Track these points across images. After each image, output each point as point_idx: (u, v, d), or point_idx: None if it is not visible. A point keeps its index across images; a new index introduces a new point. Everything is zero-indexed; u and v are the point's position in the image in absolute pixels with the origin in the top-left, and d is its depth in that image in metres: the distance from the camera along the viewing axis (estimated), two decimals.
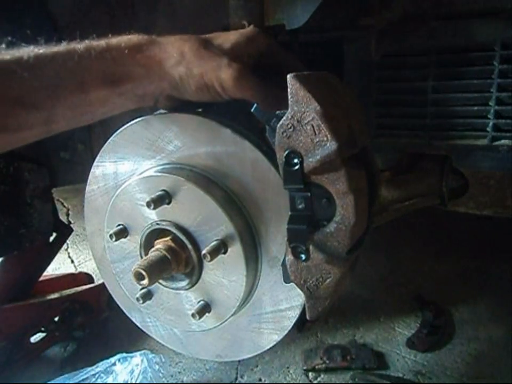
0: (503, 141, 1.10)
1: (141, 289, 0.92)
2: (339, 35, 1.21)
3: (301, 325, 0.89)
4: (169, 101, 0.81)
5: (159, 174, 0.87)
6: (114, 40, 0.76)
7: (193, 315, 0.87)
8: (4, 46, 0.70)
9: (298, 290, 0.80)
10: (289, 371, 1.57)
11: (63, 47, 0.74)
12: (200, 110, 0.86)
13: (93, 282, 1.89)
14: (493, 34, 1.06)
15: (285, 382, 1.54)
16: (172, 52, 0.75)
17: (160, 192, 0.85)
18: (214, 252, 0.82)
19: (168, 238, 0.88)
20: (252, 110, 0.77)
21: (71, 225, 1.87)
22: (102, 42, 0.75)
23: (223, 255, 0.83)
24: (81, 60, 0.73)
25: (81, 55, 0.73)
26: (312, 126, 0.68)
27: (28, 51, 0.71)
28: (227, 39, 0.78)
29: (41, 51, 0.72)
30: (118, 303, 1.07)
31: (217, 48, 0.76)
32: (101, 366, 1.49)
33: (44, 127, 0.75)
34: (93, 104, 0.76)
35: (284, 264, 0.80)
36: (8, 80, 0.69)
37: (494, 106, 1.08)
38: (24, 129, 0.74)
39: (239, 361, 1.61)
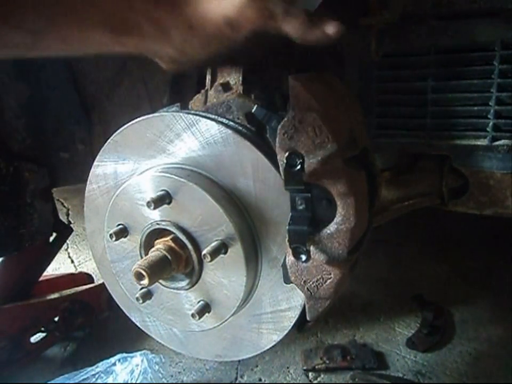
0: (503, 141, 1.10)
1: (141, 289, 0.92)
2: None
3: (301, 325, 0.89)
4: (173, 64, 0.75)
5: (159, 174, 0.87)
6: None
7: (193, 315, 0.87)
8: None
9: (299, 291, 0.80)
10: (289, 371, 1.57)
11: None
12: (200, 110, 0.86)
13: (93, 282, 1.89)
14: (493, 34, 1.06)
15: (285, 382, 1.54)
16: (180, 26, 0.68)
17: (160, 192, 0.85)
18: (214, 252, 0.82)
19: (168, 238, 0.88)
20: (253, 110, 0.77)
21: (71, 225, 1.87)
22: None
23: (223, 255, 0.83)
24: None
25: None
26: (313, 127, 0.68)
27: None
28: None
29: None
30: (118, 302, 1.07)
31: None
32: (101, 366, 1.49)
33: (28, 50, 0.66)
34: (89, 44, 0.68)
35: (284, 265, 0.80)
36: None
37: (494, 106, 1.08)
38: (5, 48, 0.64)
39: (239, 361, 1.61)
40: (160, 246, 0.87)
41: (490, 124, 1.09)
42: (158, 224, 0.89)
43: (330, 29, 0.65)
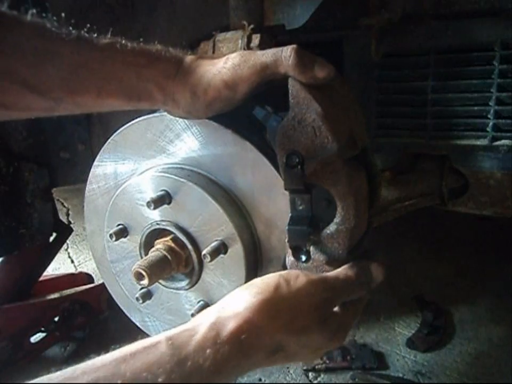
0: (503, 141, 1.10)
1: (141, 289, 0.92)
2: (339, 35, 1.21)
3: None
4: (185, 117, 0.83)
5: (159, 174, 0.87)
6: (147, 52, 0.73)
7: (193, 315, 0.87)
8: (28, 17, 0.65)
9: None
10: (289, 371, 1.57)
11: (93, 41, 0.69)
12: None
13: (93, 282, 1.89)
14: (493, 34, 1.06)
15: (285, 382, 1.53)
16: (186, 95, 0.74)
17: (160, 192, 0.85)
18: (214, 252, 0.82)
19: (168, 238, 0.88)
20: (253, 110, 0.77)
21: (71, 225, 1.87)
22: (134, 50, 0.72)
23: (223, 256, 0.84)
24: (107, 63, 0.70)
25: (108, 58, 0.70)
26: (313, 128, 0.68)
27: (54, 32, 0.66)
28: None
29: (69, 37, 0.67)
30: (118, 302, 1.07)
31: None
32: None
33: (44, 113, 0.73)
34: (103, 107, 0.75)
35: (284, 265, 0.80)
36: (24, 58, 0.65)
37: (494, 106, 1.08)
38: (23, 111, 0.71)
39: None
40: (160, 246, 0.87)
41: (490, 124, 1.10)
42: (158, 224, 0.89)
43: (320, 73, 0.69)
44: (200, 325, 0.61)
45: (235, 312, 0.63)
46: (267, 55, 0.71)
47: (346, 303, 0.73)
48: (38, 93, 0.67)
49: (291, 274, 0.69)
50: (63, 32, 0.67)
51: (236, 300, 0.65)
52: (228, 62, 0.73)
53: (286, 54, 0.69)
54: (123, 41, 0.72)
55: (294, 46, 0.70)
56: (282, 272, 0.70)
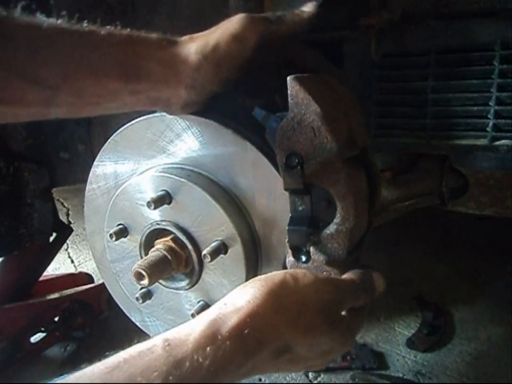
0: (503, 141, 1.10)
1: (141, 289, 0.92)
2: (339, 35, 1.21)
3: None
4: (184, 109, 0.79)
5: (159, 174, 0.87)
6: (136, 33, 0.72)
7: (193, 315, 0.87)
8: (18, 10, 0.63)
9: None
10: None
11: (84, 26, 0.68)
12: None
13: (93, 282, 1.89)
14: (493, 34, 1.06)
15: (285, 382, 1.53)
16: (191, 58, 0.72)
17: (160, 192, 0.85)
18: (214, 252, 0.82)
19: (168, 238, 0.88)
20: (253, 111, 0.77)
21: (71, 225, 1.87)
22: (125, 32, 0.70)
23: (223, 256, 0.84)
24: (101, 44, 0.68)
25: (101, 39, 0.68)
26: (312, 128, 0.68)
27: (46, 21, 0.64)
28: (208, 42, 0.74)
29: (60, 25, 0.66)
30: (118, 302, 1.07)
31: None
32: None
33: (42, 108, 0.69)
34: (102, 95, 0.71)
35: (284, 265, 0.80)
36: (18, 49, 0.62)
37: (494, 106, 1.08)
38: (20, 106, 0.67)
39: None
40: (160, 246, 0.87)
41: (490, 124, 1.09)
42: (158, 224, 0.89)
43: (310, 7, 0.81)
44: (200, 323, 0.58)
45: (237, 306, 0.60)
46: (270, 14, 0.77)
47: (353, 308, 0.71)
48: (34, 82, 0.64)
49: (298, 271, 0.67)
50: (54, 20, 0.66)
51: (239, 295, 0.62)
52: (233, 19, 0.74)
53: (283, 13, 0.77)
54: (110, 27, 0.70)
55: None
56: (289, 270, 0.69)
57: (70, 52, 0.66)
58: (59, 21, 0.66)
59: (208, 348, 0.55)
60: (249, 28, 0.73)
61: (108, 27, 0.69)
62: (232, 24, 0.74)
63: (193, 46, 0.72)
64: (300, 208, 0.74)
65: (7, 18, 0.62)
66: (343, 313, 0.70)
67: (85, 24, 0.68)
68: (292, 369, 0.69)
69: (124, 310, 1.07)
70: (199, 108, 0.80)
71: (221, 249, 0.83)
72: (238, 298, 0.61)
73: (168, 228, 0.88)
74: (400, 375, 1.53)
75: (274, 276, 0.65)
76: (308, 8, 0.82)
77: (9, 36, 0.62)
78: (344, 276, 0.73)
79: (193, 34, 0.75)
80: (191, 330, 0.57)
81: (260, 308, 0.59)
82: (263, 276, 0.65)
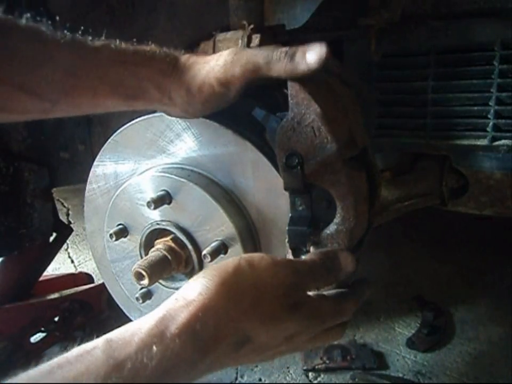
0: (503, 141, 1.10)
1: (141, 289, 0.92)
2: (339, 35, 1.21)
3: None
4: (182, 117, 0.82)
5: (160, 174, 0.87)
6: (141, 51, 0.73)
7: None
8: (23, 21, 0.65)
9: None
10: (289, 371, 1.57)
11: (88, 43, 0.69)
12: None
13: (93, 282, 1.89)
14: (493, 34, 1.06)
15: (285, 382, 1.53)
16: (182, 92, 0.74)
17: (160, 192, 0.85)
18: (214, 252, 0.82)
19: (168, 238, 0.88)
20: (253, 111, 0.77)
21: (71, 225, 1.87)
22: (128, 50, 0.72)
23: (223, 256, 0.84)
24: (102, 63, 0.70)
25: (103, 58, 0.70)
26: (313, 128, 0.68)
27: (50, 35, 0.66)
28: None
29: (64, 39, 0.67)
30: (118, 302, 1.07)
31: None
32: None
33: (40, 115, 0.73)
34: (99, 108, 0.75)
35: None
36: (21, 61, 0.64)
37: (494, 106, 1.08)
38: (21, 113, 0.71)
39: None
40: (160, 246, 0.87)
41: (490, 124, 1.09)
42: (158, 224, 0.89)
43: (313, 57, 0.68)
44: (147, 321, 0.53)
45: (188, 300, 0.55)
46: (259, 56, 0.70)
47: (322, 293, 0.68)
48: (34, 96, 0.67)
49: (254, 256, 0.63)
50: (57, 35, 0.67)
51: (190, 288, 0.57)
52: (220, 59, 0.72)
53: (277, 57, 0.69)
54: (117, 42, 0.71)
55: (286, 49, 0.70)
56: (244, 255, 0.64)
57: (70, 70, 0.68)
58: (62, 35, 0.67)
59: (154, 347, 0.51)
60: (233, 74, 0.71)
61: (112, 44, 0.71)
62: (219, 64, 0.72)
63: (186, 78, 0.73)
64: (300, 208, 0.74)
65: (12, 30, 0.64)
66: (310, 293, 0.66)
67: (88, 40, 0.70)
68: (258, 359, 0.64)
69: (124, 310, 1.07)
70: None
71: (221, 249, 0.83)
72: (189, 291, 0.57)
73: (168, 227, 0.88)
74: (400, 375, 1.53)
75: (227, 263, 0.61)
76: (311, 58, 0.69)
77: (14, 49, 0.64)
78: (305, 257, 0.71)
79: (192, 56, 0.76)
80: (137, 329, 0.53)
81: (212, 300, 0.55)
82: (216, 265, 0.61)
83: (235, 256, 0.63)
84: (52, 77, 0.67)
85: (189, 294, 0.56)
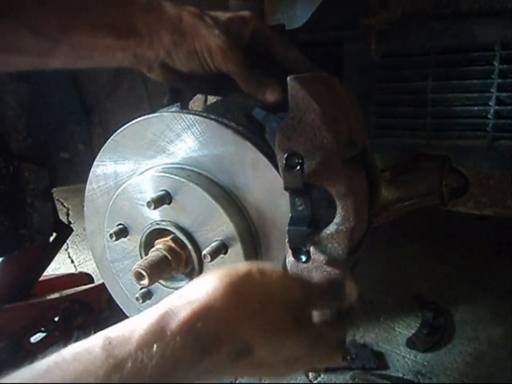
0: (503, 141, 1.10)
1: (141, 289, 0.92)
2: (339, 35, 1.21)
3: None
4: (162, 70, 0.83)
5: (160, 174, 0.87)
6: None
7: None
8: None
9: None
10: None
11: None
12: (201, 110, 0.86)
13: (93, 282, 1.89)
14: (493, 34, 1.06)
15: (285, 382, 1.53)
16: (173, 17, 0.78)
17: (160, 192, 0.85)
18: (214, 252, 0.82)
19: (168, 238, 0.88)
20: (253, 111, 0.77)
21: (71, 225, 1.87)
22: None
23: (223, 256, 0.83)
24: (97, 4, 0.75)
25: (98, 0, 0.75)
26: (312, 128, 0.68)
27: None
28: (223, 15, 0.82)
29: None
30: (118, 302, 1.07)
31: (212, 20, 0.79)
32: None
33: (41, 58, 0.75)
34: (95, 49, 0.77)
35: (284, 265, 0.80)
36: (27, 2, 0.69)
37: (494, 106, 1.08)
38: (21, 54, 0.73)
39: None
40: (160, 246, 0.87)
41: (490, 124, 1.09)
42: (158, 224, 0.89)
43: (269, 96, 0.79)
44: (147, 317, 0.52)
45: (192, 298, 0.54)
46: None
47: (326, 320, 0.67)
48: (37, 33, 0.70)
49: (266, 265, 0.62)
50: None
51: (196, 286, 0.56)
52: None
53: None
54: None
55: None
56: (257, 262, 0.64)
57: (70, 8, 0.73)
58: None
59: (155, 346, 0.49)
60: (255, 19, 0.83)
61: None
62: (238, 12, 0.83)
63: (175, 14, 0.78)
64: (300, 208, 0.74)
65: None
66: (314, 317, 0.65)
67: None
68: (253, 374, 0.64)
69: (124, 310, 1.07)
70: (180, 82, 0.86)
71: (221, 249, 0.83)
72: (194, 289, 0.56)
73: (168, 227, 0.87)
74: (400, 375, 1.53)
75: (239, 267, 0.60)
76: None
77: None
78: (315, 278, 0.72)
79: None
80: (137, 325, 0.51)
81: (217, 301, 0.54)
82: (227, 267, 0.60)
83: (247, 262, 0.64)
84: (53, 14, 0.71)
85: (194, 291, 0.55)
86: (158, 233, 0.90)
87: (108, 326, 0.54)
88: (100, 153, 0.97)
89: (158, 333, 0.50)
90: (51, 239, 1.63)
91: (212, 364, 0.54)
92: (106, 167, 0.97)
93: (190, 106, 0.95)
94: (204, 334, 0.52)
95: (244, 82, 0.79)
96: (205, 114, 0.85)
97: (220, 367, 0.55)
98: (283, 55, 0.85)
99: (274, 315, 0.57)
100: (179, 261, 0.87)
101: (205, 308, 0.53)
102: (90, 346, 0.49)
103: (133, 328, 0.51)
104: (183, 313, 0.52)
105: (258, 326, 0.56)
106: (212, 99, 0.93)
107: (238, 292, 0.56)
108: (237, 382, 1.56)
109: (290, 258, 0.77)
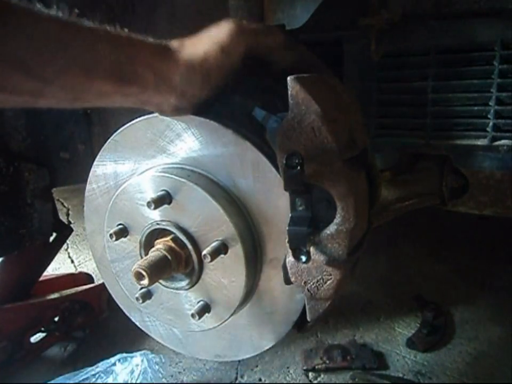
0: (503, 141, 1.10)
1: (141, 289, 0.92)
2: (339, 35, 1.21)
3: (301, 325, 0.89)
4: (175, 112, 0.80)
5: (160, 174, 0.86)
6: (133, 36, 0.72)
7: (192, 315, 0.87)
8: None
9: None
10: (289, 371, 1.57)
11: (83, 23, 0.68)
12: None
13: (93, 282, 1.89)
14: (493, 34, 1.06)
15: (285, 382, 1.53)
16: (181, 69, 0.73)
17: (161, 192, 0.85)
18: (214, 253, 0.82)
19: (168, 238, 0.88)
20: (253, 112, 0.77)
21: (71, 225, 1.87)
22: (122, 34, 0.71)
23: (223, 256, 0.83)
24: (97, 44, 0.68)
25: (98, 39, 0.68)
26: (313, 128, 0.68)
27: (45, 13, 0.65)
28: (222, 38, 0.78)
29: (59, 18, 0.66)
30: (118, 302, 1.07)
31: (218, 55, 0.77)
32: (101, 366, 1.48)
33: (31, 98, 0.68)
34: (91, 94, 0.71)
35: (284, 266, 0.80)
36: (16, 34, 0.62)
37: (494, 106, 1.08)
38: (13, 93, 0.67)
39: (239, 361, 1.61)
40: (160, 246, 0.87)
41: (490, 124, 1.10)
42: (158, 224, 0.89)
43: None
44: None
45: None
46: (258, 25, 0.83)
47: None
48: (27, 73, 0.64)
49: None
50: (51, 12, 0.66)
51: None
52: (222, 28, 0.78)
53: (274, 29, 0.83)
54: (111, 27, 0.71)
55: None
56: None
57: (65, 48, 0.66)
58: (58, 14, 0.66)
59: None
60: (237, 40, 0.77)
61: (107, 26, 0.70)
62: (220, 34, 0.77)
63: (184, 56, 0.74)
64: (300, 208, 0.74)
65: (10, 7, 0.62)
66: None
67: (84, 20, 0.68)
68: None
69: (124, 310, 1.07)
70: (191, 112, 0.81)
71: (221, 249, 0.83)
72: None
73: (168, 228, 0.87)
74: (400, 375, 1.53)
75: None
76: None
77: (11, 20, 0.62)
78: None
79: (183, 39, 0.77)
80: None
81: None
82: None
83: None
84: (46, 54, 0.65)
85: None
86: (158, 233, 0.90)
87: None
88: (99, 153, 0.97)
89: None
90: (51, 239, 1.63)
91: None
92: (106, 167, 0.97)
93: None
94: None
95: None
96: (205, 114, 0.85)
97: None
98: (284, 64, 0.85)
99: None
100: (179, 261, 0.87)
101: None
102: None
103: None
104: None
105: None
106: None
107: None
108: (237, 382, 1.56)
109: (290, 259, 0.77)
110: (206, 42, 0.76)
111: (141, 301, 0.92)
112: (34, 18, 0.64)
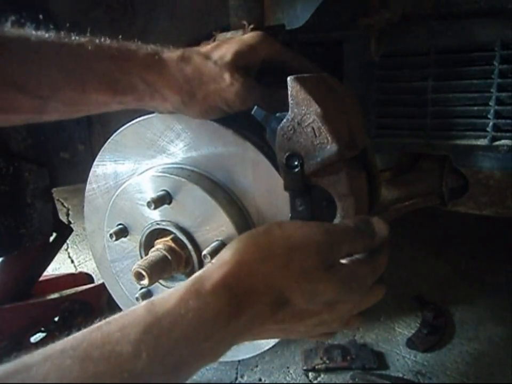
0: (503, 141, 1.10)
1: (141, 289, 0.92)
2: (339, 35, 1.21)
3: None
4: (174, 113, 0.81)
5: (160, 174, 0.87)
6: (126, 47, 0.73)
7: None
8: (8, 24, 0.67)
9: None
10: (289, 371, 1.57)
11: (73, 39, 0.70)
12: None
13: (93, 282, 1.89)
14: (493, 34, 1.06)
15: (285, 382, 1.53)
16: (176, 76, 0.73)
17: (161, 192, 0.85)
18: (215, 253, 0.82)
19: (168, 238, 0.88)
20: (253, 112, 0.77)
21: (71, 225, 1.87)
22: (113, 45, 0.72)
23: None
24: (89, 58, 0.70)
25: (90, 53, 0.70)
26: (313, 128, 0.68)
27: (35, 34, 0.68)
28: (228, 50, 0.76)
29: (50, 38, 0.69)
30: (118, 302, 1.07)
31: (217, 63, 0.74)
32: None
33: (33, 115, 0.73)
34: (90, 104, 0.74)
35: None
36: (10, 59, 0.66)
37: (494, 106, 1.08)
38: (13, 113, 0.71)
39: (239, 361, 1.61)
40: (160, 246, 0.87)
41: (490, 124, 1.09)
42: (158, 224, 0.89)
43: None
44: (184, 283, 0.57)
45: (222, 262, 0.58)
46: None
47: (356, 257, 0.67)
48: (25, 93, 0.68)
49: (284, 220, 0.66)
50: (42, 33, 0.69)
51: (225, 251, 0.61)
52: (237, 43, 0.76)
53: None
54: (101, 39, 0.72)
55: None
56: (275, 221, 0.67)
57: (59, 65, 0.69)
58: (48, 34, 0.69)
59: (190, 301, 0.53)
60: (264, 40, 0.79)
61: (97, 40, 0.72)
62: (243, 39, 0.79)
63: (181, 71, 0.74)
64: (300, 208, 0.74)
65: (3, 38, 0.66)
66: (344, 261, 0.66)
67: (73, 37, 0.71)
68: (302, 328, 0.64)
69: (124, 310, 1.07)
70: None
71: (221, 249, 0.82)
72: (222, 255, 0.60)
73: (168, 228, 0.88)
74: (400, 375, 1.53)
75: (258, 227, 0.65)
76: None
77: (3, 48, 0.65)
78: (338, 221, 0.72)
79: (187, 51, 0.77)
80: (175, 290, 0.56)
81: (245, 259, 0.58)
82: (249, 231, 0.65)
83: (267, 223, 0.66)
84: (41, 72, 0.68)
85: (223, 256, 0.60)
86: (158, 233, 0.90)
87: None
88: (99, 153, 0.97)
89: (193, 292, 0.55)
90: (51, 239, 1.63)
91: (251, 319, 0.56)
92: (106, 167, 0.97)
93: None
94: (238, 289, 0.56)
95: (268, 108, 0.76)
96: None
97: (260, 320, 0.58)
98: (298, 69, 0.83)
99: (301, 262, 0.60)
100: (179, 261, 0.87)
101: (235, 266, 0.57)
102: (136, 308, 0.55)
103: (171, 292, 0.56)
104: (215, 275, 0.56)
105: (288, 275, 0.58)
106: None
107: (262, 247, 0.60)
108: (237, 382, 1.56)
109: None
110: (219, 58, 0.75)
111: (141, 301, 0.92)
112: (26, 44, 0.67)
